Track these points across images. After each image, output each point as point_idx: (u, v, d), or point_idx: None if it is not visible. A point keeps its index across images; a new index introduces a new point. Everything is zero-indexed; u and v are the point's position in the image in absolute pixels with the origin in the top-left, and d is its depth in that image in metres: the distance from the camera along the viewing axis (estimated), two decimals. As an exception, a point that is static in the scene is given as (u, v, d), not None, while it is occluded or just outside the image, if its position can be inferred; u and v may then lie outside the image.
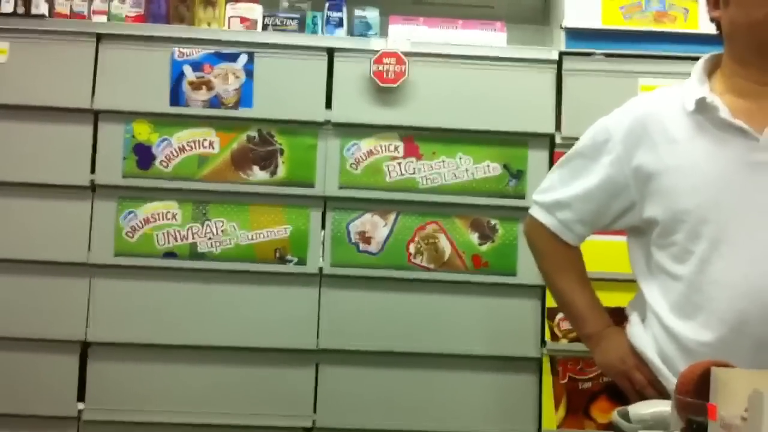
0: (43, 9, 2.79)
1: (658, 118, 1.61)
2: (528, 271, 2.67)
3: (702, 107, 1.55)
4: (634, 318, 1.72)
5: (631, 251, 1.73)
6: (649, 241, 1.64)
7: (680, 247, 1.55)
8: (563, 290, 1.83)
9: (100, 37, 2.78)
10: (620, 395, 1.77)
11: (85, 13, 2.83)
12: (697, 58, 1.69)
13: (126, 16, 2.83)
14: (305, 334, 2.78)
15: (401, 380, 2.80)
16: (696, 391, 1.14)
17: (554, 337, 2.78)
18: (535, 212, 1.82)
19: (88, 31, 2.78)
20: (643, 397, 1.64)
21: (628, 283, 1.83)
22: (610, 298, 2.06)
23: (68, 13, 2.82)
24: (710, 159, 1.53)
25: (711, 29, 1.66)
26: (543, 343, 2.79)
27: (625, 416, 1.36)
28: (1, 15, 2.77)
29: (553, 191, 1.78)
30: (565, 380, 2.78)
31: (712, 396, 1.06)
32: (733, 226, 1.49)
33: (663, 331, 1.59)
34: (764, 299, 1.45)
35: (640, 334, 1.67)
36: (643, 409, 1.37)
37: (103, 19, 2.83)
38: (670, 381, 1.48)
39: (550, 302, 2.68)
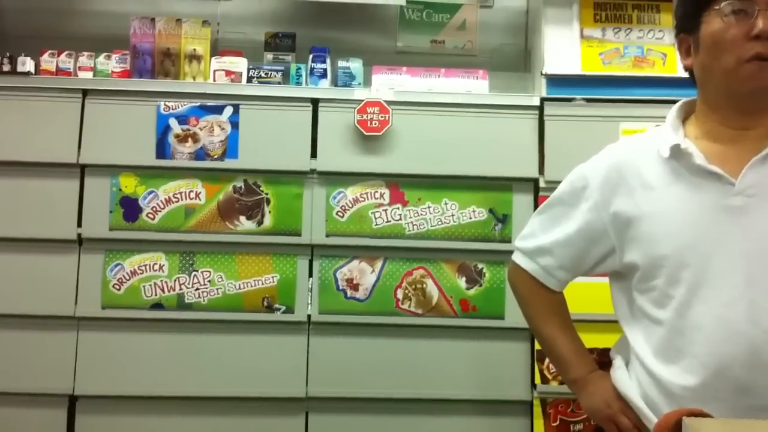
0: (29, 66, 2.82)
1: (634, 165, 1.63)
2: (516, 314, 2.63)
3: (677, 154, 1.57)
4: (618, 362, 1.72)
5: (613, 295, 1.74)
6: (631, 286, 1.65)
7: (660, 291, 1.56)
8: (547, 336, 1.83)
9: (86, 93, 2.81)
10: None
11: (71, 70, 2.87)
12: (676, 102, 1.71)
13: (112, 71, 2.87)
14: (294, 383, 2.77)
15: (392, 426, 2.79)
16: (671, 439, 1.14)
17: (544, 380, 2.78)
18: (518, 258, 1.84)
19: (74, 87, 2.81)
20: (629, 440, 1.64)
21: (612, 324, 1.83)
22: (594, 340, 2.07)
23: (54, 69, 2.86)
24: (686, 204, 1.54)
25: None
26: (533, 385, 2.80)
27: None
28: (-13, 73, 2.80)
29: (534, 237, 1.80)
30: (557, 422, 2.77)
31: (684, 445, 1.06)
32: (711, 271, 1.50)
33: (646, 375, 1.60)
34: (742, 342, 1.46)
35: (624, 378, 1.67)
36: (627, 454, 1.37)
37: (89, 75, 2.86)
38: (654, 424, 1.49)
39: (540, 345, 2.67)
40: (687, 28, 1.59)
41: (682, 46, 1.64)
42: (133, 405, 2.75)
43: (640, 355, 1.61)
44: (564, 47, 2.88)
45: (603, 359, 1.85)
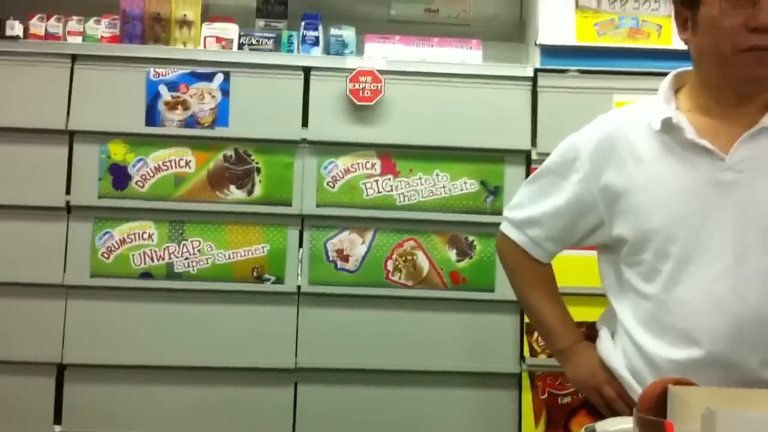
0: (18, 30, 2.79)
1: (625, 137, 1.61)
2: (506, 287, 2.60)
3: (668, 127, 1.55)
4: (603, 333, 1.72)
5: (601, 267, 1.73)
6: (619, 259, 1.64)
7: (648, 265, 1.55)
8: (534, 306, 1.82)
9: (75, 58, 2.79)
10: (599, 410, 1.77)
11: (60, 34, 2.83)
12: (671, 74, 1.70)
13: (101, 36, 2.84)
14: (284, 353, 2.77)
15: (380, 398, 2.79)
16: (657, 408, 1.13)
17: (533, 353, 2.78)
18: (506, 229, 1.82)
19: (63, 53, 2.78)
20: (614, 411, 1.63)
21: (599, 297, 1.83)
22: (582, 313, 2.06)
23: (43, 34, 2.82)
24: (676, 178, 1.52)
25: (685, 46, 1.66)
26: (522, 358, 2.80)
27: (594, 433, 1.36)
28: (-24, 37, 2.77)
29: (523, 208, 1.78)
30: (545, 395, 2.78)
31: (669, 414, 1.06)
32: (699, 246, 1.49)
33: (632, 346, 1.59)
34: (727, 317, 1.45)
35: (610, 349, 1.67)
36: (610, 426, 1.36)
37: (79, 39, 2.83)
38: (640, 393, 1.48)
39: (527, 315, 2.68)
40: (686, 3, 1.56)
41: (680, 18, 1.60)
42: (121, 374, 2.75)
43: (627, 327, 1.61)
44: (559, 17, 2.86)
45: (591, 332, 1.85)
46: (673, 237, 1.51)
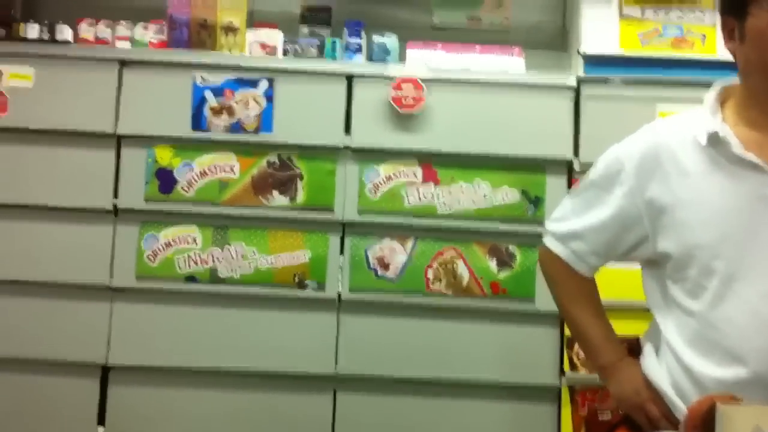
0: (68, 35, 2.85)
1: (670, 150, 1.59)
2: (546, 298, 2.61)
3: (714, 141, 1.54)
4: (648, 349, 1.70)
5: (645, 283, 1.72)
6: (664, 274, 1.62)
7: (693, 282, 1.54)
8: (577, 321, 1.81)
9: (123, 63, 2.83)
10: (640, 427, 1.75)
11: (109, 39, 2.89)
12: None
13: (149, 42, 2.89)
14: (323, 360, 2.79)
15: (419, 407, 2.80)
16: (704, 426, 1.13)
17: (573, 367, 2.76)
18: (549, 242, 1.81)
19: (112, 57, 2.83)
20: (657, 429, 1.62)
21: (643, 311, 1.81)
22: (625, 327, 2.05)
23: (93, 39, 2.88)
24: (722, 193, 1.51)
25: (729, 55, 1.65)
26: (562, 372, 2.78)
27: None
28: (27, 41, 2.84)
29: (567, 221, 1.77)
30: (585, 410, 2.75)
31: (717, 431, 1.05)
32: (745, 262, 1.47)
33: (677, 364, 1.58)
34: (776, 336, 1.44)
35: (655, 366, 1.65)
36: (655, 445, 1.36)
37: (127, 45, 2.88)
38: (684, 414, 1.47)
39: (569, 330, 2.66)
40: (732, 12, 1.55)
41: (726, 27, 1.58)
42: (164, 376, 2.79)
43: (672, 344, 1.59)
44: (602, 26, 2.85)
45: (633, 347, 1.83)
46: (718, 253, 1.50)
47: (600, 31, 2.82)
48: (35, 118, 2.80)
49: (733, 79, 1.62)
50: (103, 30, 2.89)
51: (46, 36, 2.84)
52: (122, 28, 2.89)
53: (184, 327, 2.80)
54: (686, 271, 1.55)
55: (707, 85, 1.66)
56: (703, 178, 1.54)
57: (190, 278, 2.80)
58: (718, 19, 1.64)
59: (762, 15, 1.47)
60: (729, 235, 1.49)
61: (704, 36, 2.80)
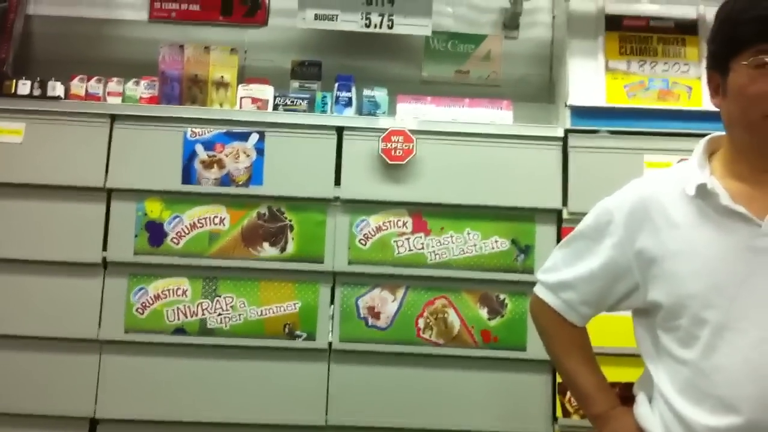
0: (59, 91, 2.87)
1: (659, 202, 1.62)
2: (538, 346, 2.61)
3: (703, 193, 1.56)
4: (641, 398, 1.71)
5: (636, 331, 1.73)
6: (655, 323, 1.64)
7: (685, 331, 1.55)
8: (569, 370, 1.82)
9: (114, 118, 2.85)
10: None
11: (101, 95, 2.91)
12: (700, 135, 1.70)
13: (140, 97, 2.91)
14: (314, 410, 2.77)
15: (411, 457, 2.78)
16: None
17: (566, 413, 2.75)
18: (540, 292, 1.83)
19: (103, 113, 2.85)
20: (650, 478, 1.62)
21: (635, 358, 1.82)
22: (616, 374, 2.05)
23: (84, 94, 2.90)
24: (712, 244, 1.53)
25: (715, 107, 1.68)
26: (554, 419, 2.78)
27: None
28: (18, 96, 2.86)
29: (557, 272, 1.79)
30: (577, 457, 2.74)
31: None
32: (736, 312, 1.49)
33: (670, 413, 1.58)
34: (767, 384, 1.44)
35: (648, 415, 1.66)
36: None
37: (118, 100, 2.90)
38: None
39: (561, 378, 2.66)
40: (716, 68, 1.59)
41: (712, 83, 1.62)
42: (153, 429, 2.76)
43: (664, 393, 1.60)
44: (589, 79, 2.90)
45: (625, 394, 1.84)
46: (709, 303, 1.52)
47: (586, 84, 2.87)
48: (25, 172, 2.81)
49: (721, 133, 1.66)
50: (94, 86, 2.91)
51: (37, 92, 2.86)
52: (113, 84, 2.91)
53: (173, 379, 2.78)
54: (677, 320, 1.56)
55: (694, 136, 1.70)
56: (693, 230, 1.56)
57: (179, 330, 2.79)
58: (703, 72, 1.68)
59: (741, 71, 1.51)
60: (720, 286, 1.51)
61: (690, 88, 2.85)
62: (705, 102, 2.77)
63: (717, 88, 1.60)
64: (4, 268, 2.79)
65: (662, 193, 1.63)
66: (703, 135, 1.70)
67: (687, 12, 2.95)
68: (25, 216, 2.81)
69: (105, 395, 2.77)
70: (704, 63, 1.65)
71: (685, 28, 2.94)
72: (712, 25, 1.61)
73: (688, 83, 2.86)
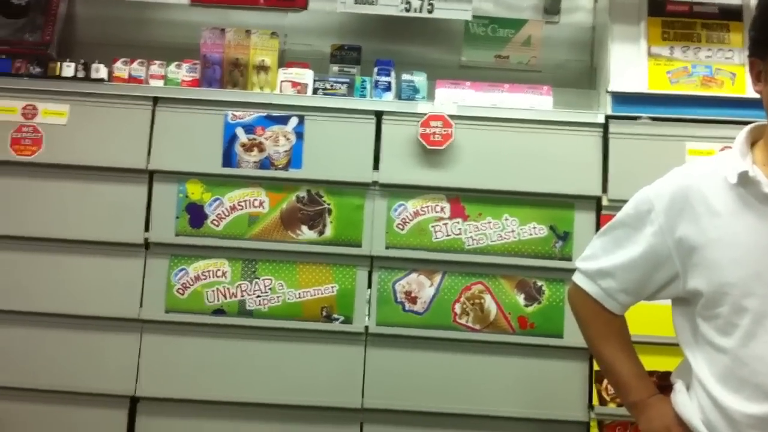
0: (103, 73, 2.90)
1: (700, 190, 1.61)
2: (575, 333, 2.62)
3: (744, 181, 1.55)
4: (679, 386, 1.71)
5: (675, 320, 1.72)
6: (694, 312, 1.63)
7: (724, 319, 1.54)
8: (607, 358, 1.82)
9: (156, 101, 2.89)
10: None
11: (143, 78, 2.94)
12: (744, 122, 1.69)
13: (182, 80, 2.94)
14: (350, 393, 2.79)
15: (446, 441, 2.79)
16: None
17: (602, 401, 2.74)
18: (579, 279, 1.83)
19: (146, 95, 2.89)
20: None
21: (673, 347, 1.81)
22: (655, 362, 2.05)
23: (127, 77, 2.93)
24: (753, 232, 1.52)
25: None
26: (590, 406, 2.77)
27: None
28: (62, 78, 2.90)
29: (596, 259, 1.78)
30: (614, 445, 2.74)
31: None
32: (777, 300, 1.48)
33: (709, 400, 1.58)
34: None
35: (686, 403, 1.66)
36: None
37: (160, 83, 2.93)
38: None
39: (599, 366, 2.65)
40: (758, 55, 1.57)
41: (753, 70, 1.61)
42: (192, 408, 2.81)
43: (703, 381, 1.60)
44: (630, 65, 2.86)
45: (663, 383, 1.83)
46: (750, 292, 1.51)
47: (628, 69, 2.84)
48: (69, 153, 2.86)
49: (763, 121, 1.64)
50: (137, 69, 2.94)
51: (81, 74, 2.90)
52: (156, 67, 2.94)
53: (212, 359, 2.82)
54: (717, 309, 1.55)
55: (736, 124, 1.68)
56: (734, 218, 1.55)
57: (219, 311, 2.82)
58: (746, 60, 1.65)
59: None
60: (761, 274, 1.50)
61: (734, 75, 2.81)
62: (748, 89, 2.72)
63: (759, 75, 1.58)
64: (49, 248, 2.84)
65: (703, 182, 1.62)
66: (747, 122, 1.69)
67: (731, -3, 2.91)
68: (69, 196, 2.86)
69: (145, 374, 2.81)
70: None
71: (730, 14, 2.89)
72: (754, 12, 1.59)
73: (731, 70, 2.82)
